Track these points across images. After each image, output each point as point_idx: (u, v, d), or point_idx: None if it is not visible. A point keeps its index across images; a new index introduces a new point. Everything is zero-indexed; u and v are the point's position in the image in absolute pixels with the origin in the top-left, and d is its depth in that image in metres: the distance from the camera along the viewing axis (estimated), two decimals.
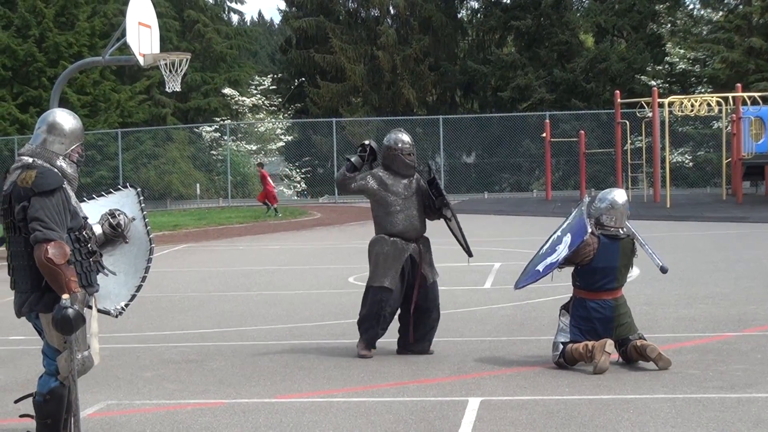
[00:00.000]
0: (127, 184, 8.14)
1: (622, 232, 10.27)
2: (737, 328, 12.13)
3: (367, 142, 11.29)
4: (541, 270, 10.34)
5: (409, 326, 11.11)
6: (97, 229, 7.49)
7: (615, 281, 10.19)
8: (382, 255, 11.04)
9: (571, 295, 10.41)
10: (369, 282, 11.14)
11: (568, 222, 10.53)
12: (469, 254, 11.44)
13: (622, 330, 10.13)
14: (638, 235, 10.49)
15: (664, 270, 10.52)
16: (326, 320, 13.75)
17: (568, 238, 10.23)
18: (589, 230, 10.15)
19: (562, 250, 10.17)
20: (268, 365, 10.73)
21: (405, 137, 11.27)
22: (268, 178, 37.97)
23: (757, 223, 28.09)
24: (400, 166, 11.18)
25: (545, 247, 10.60)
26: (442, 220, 11.39)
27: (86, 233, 7.06)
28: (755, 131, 35.31)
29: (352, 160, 11.15)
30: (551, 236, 10.66)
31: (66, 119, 7.13)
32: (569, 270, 10.40)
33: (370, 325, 11.00)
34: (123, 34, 23.16)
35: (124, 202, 7.87)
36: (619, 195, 10.38)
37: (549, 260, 10.30)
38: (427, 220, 11.34)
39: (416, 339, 11.10)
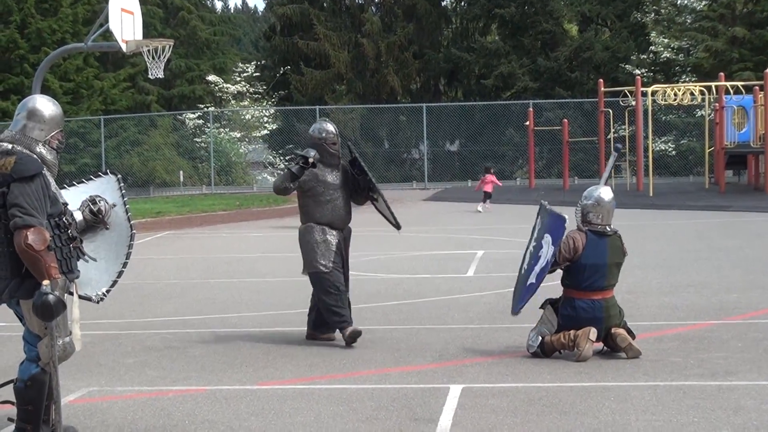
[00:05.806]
0: (107, 170, 8.12)
1: (609, 229, 10.20)
2: (718, 317, 12.17)
3: (312, 154, 11.21)
4: (534, 281, 10.08)
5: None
6: (78, 216, 7.46)
7: (605, 280, 10.05)
8: (316, 242, 11.14)
9: (561, 293, 10.26)
10: (310, 269, 11.19)
11: (538, 228, 10.35)
12: (398, 227, 11.66)
13: (610, 324, 10.07)
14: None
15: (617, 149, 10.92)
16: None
17: (548, 238, 10.01)
18: (566, 217, 10.05)
19: (548, 251, 9.95)
20: (251, 352, 10.73)
21: (329, 126, 11.41)
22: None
23: (739, 212, 28.17)
24: (326, 156, 11.27)
25: (526, 262, 10.37)
26: (369, 202, 11.58)
27: (66, 219, 7.03)
28: (738, 120, 35.39)
29: (294, 170, 11.12)
30: (526, 251, 10.47)
31: (46, 105, 7.10)
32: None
33: (335, 307, 10.99)
34: (106, 21, 23.07)
35: (104, 188, 7.85)
36: (605, 192, 10.21)
37: (538, 268, 10.04)
38: (355, 205, 11.52)
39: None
